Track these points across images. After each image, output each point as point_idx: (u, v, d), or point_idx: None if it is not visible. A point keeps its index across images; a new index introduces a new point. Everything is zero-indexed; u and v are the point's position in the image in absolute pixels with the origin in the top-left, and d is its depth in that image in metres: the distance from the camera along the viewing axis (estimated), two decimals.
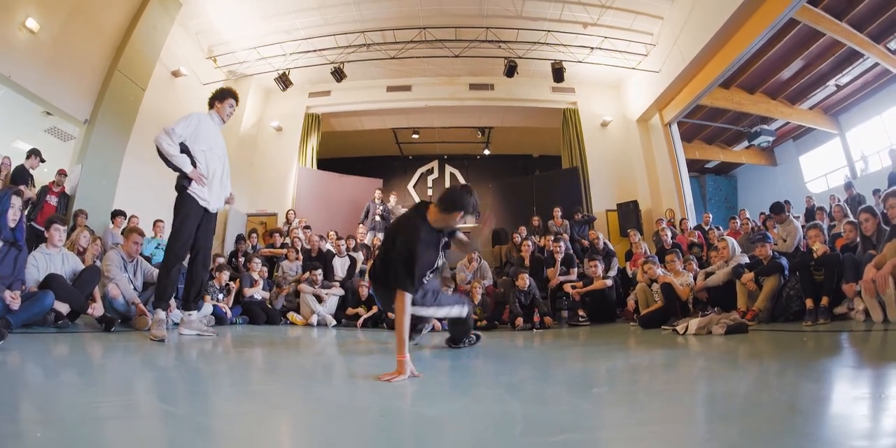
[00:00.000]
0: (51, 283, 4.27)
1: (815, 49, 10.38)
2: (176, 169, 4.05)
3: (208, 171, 4.18)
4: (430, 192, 17.11)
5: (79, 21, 8.13)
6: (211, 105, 4.41)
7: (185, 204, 4.08)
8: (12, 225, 3.94)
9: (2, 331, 2.93)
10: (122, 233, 6.94)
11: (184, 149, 4.03)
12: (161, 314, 4.11)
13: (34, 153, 7.26)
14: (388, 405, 1.93)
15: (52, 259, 4.66)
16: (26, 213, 5.35)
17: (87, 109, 8.49)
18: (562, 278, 7.63)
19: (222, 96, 4.39)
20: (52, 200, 7.28)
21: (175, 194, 4.16)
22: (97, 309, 4.59)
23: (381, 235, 10.14)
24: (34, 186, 7.16)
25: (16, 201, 3.98)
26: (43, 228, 6.53)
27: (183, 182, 4.09)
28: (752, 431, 1.38)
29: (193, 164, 4.08)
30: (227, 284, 6.73)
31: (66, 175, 7.63)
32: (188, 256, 4.37)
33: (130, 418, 1.63)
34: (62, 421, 1.52)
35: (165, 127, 3.96)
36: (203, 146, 4.14)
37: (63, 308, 4.27)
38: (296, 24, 10.82)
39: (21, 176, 6.94)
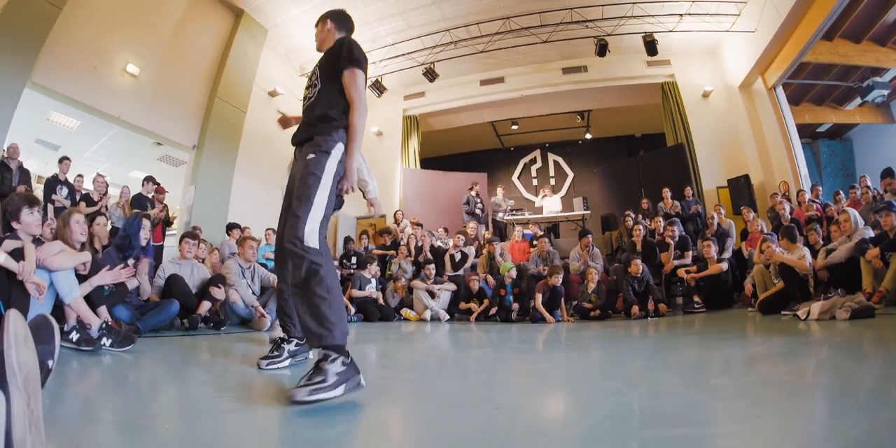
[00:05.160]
0: (171, 282, 4.77)
1: None
2: None
3: None
4: (534, 182, 16.79)
5: (173, 60, 8.95)
6: None
7: None
8: (143, 244, 4.32)
9: (131, 335, 3.16)
10: (236, 242, 7.28)
11: None
12: None
13: (148, 180, 7.88)
14: (501, 398, 1.97)
15: (182, 269, 5.02)
16: None
17: (194, 136, 9.23)
18: (676, 263, 7.14)
19: None
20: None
21: None
22: (203, 306, 4.87)
23: (482, 227, 10.16)
24: (153, 207, 7.67)
25: (146, 223, 4.39)
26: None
27: None
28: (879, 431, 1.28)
29: None
30: None
31: (165, 193, 8.10)
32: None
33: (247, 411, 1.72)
34: (188, 413, 1.73)
35: None
36: None
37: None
38: (380, 32, 10.97)
39: (139, 202, 7.51)
